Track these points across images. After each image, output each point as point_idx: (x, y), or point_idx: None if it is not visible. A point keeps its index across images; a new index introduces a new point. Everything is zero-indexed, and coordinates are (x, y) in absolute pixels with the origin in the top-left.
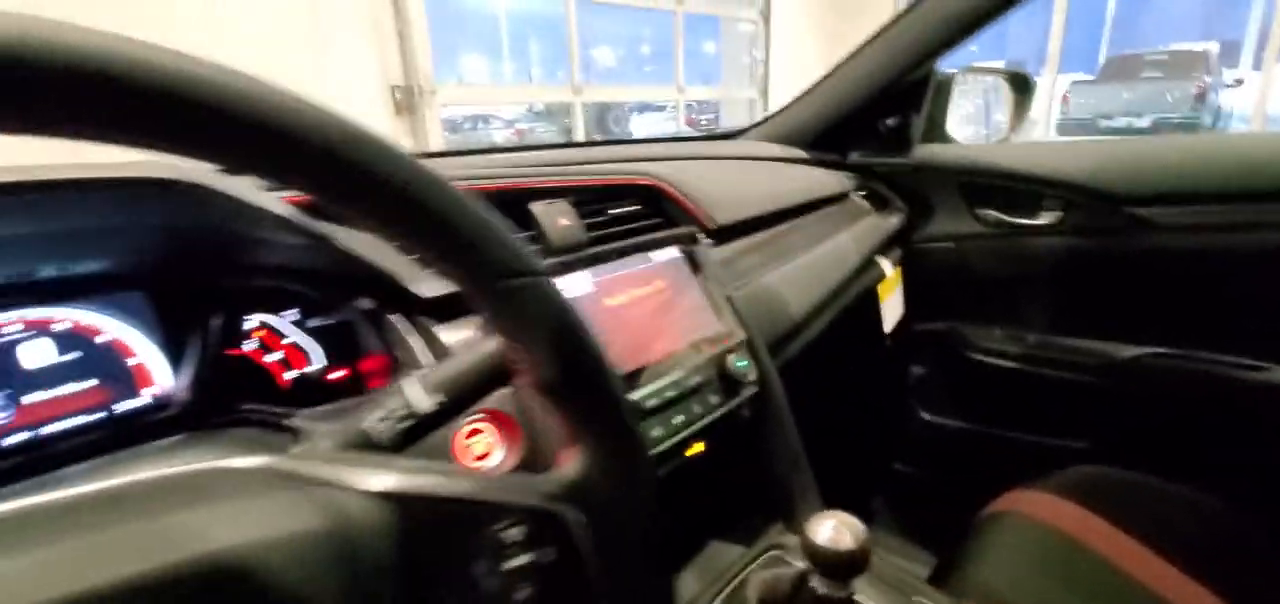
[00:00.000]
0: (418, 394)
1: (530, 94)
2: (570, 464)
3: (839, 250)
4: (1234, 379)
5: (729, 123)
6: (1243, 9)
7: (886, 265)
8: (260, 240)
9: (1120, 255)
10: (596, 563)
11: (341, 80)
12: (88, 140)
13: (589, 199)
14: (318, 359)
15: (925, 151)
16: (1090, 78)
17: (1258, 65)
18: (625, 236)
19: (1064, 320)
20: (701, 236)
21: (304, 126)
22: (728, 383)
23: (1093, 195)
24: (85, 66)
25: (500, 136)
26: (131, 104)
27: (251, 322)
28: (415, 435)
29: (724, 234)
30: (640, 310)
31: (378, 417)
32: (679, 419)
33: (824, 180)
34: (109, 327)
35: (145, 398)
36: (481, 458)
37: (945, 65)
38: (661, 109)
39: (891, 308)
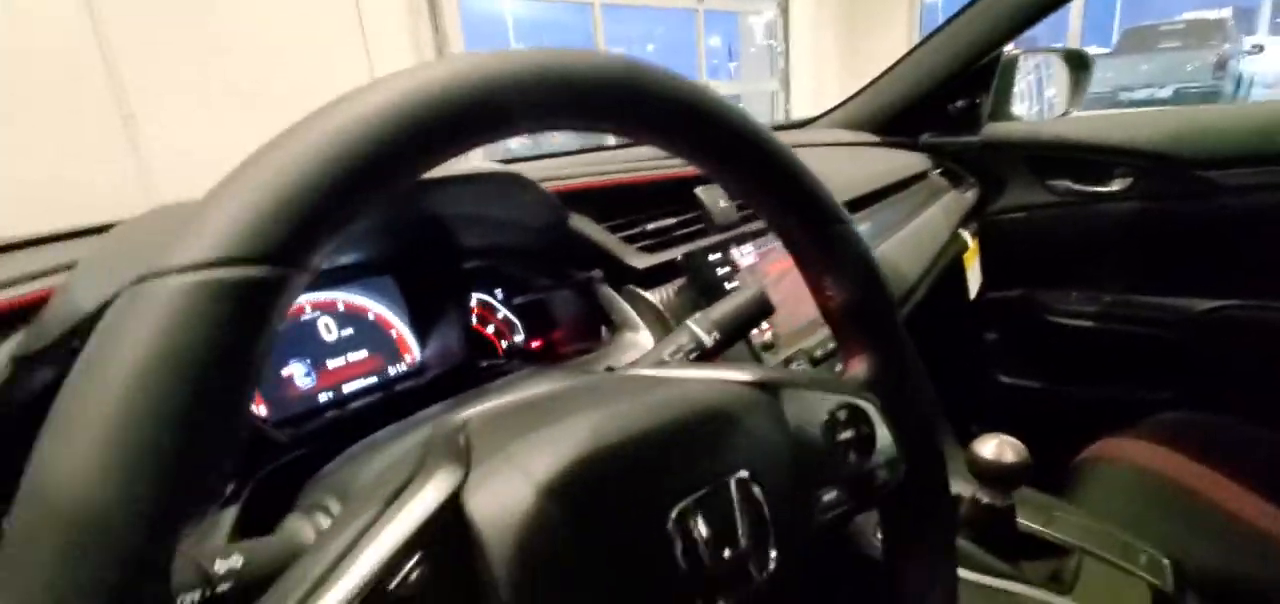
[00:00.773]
0: (701, 332)
1: None
2: (860, 368)
3: (932, 223)
4: None
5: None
6: None
7: (966, 236)
8: (513, 224)
9: (1191, 217)
10: (896, 434)
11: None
12: (612, 132)
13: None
14: (520, 331)
15: (993, 130)
16: (1106, 51)
17: (1275, 30)
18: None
19: (1137, 280)
20: None
21: (720, 115)
22: None
23: (1165, 161)
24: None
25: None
26: (649, 111)
27: (472, 300)
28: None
29: None
30: (793, 277)
31: (669, 352)
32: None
33: (903, 161)
34: (372, 306)
35: (407, 363)
36: None
37: None
38: None
39: (973, 276)
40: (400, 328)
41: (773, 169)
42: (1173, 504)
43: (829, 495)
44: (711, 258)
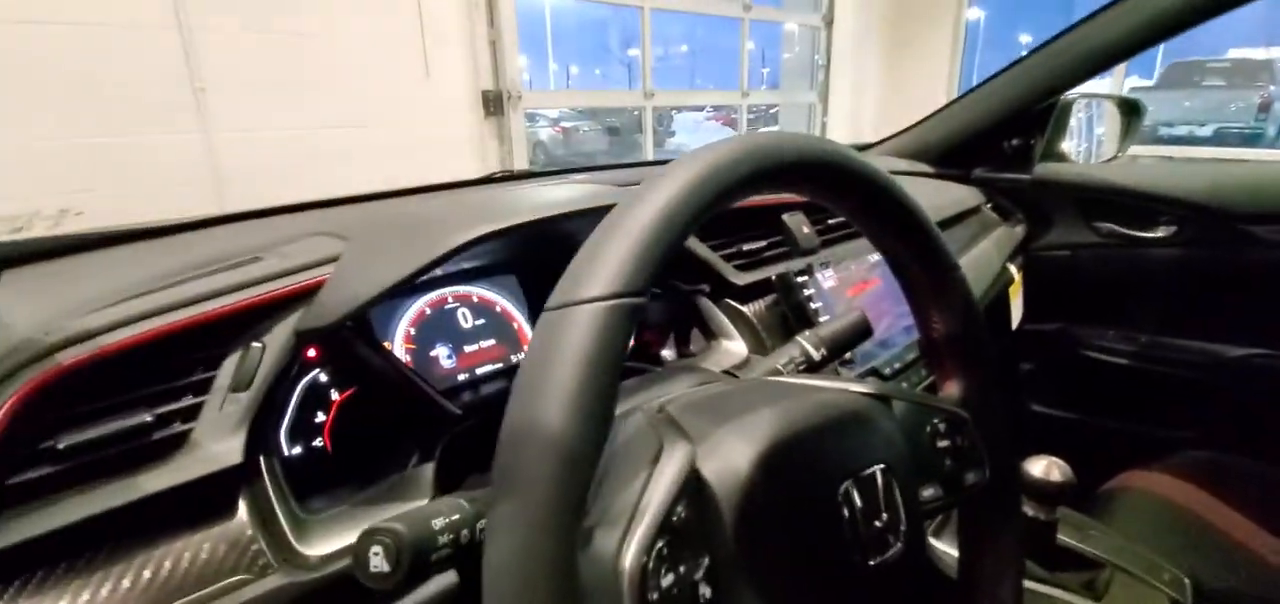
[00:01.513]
0: (810, 347)
1: (605, 99)
2: (954, 389)
3: (985, 256)
4: None
5: (787, 127)
6: None
7: (1013, 269)
8: None
9: (1231, 266)
10: (983, 445)
11: (442, 88)
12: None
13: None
14: None
15: (1045, 169)
16: (1149, 83)
17: None
18: (834, 243)
19: (1173, 323)
20: None
21: (858, 172)
22: None
23: (1209, 212)
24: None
25: (545, 134)
26: (821, 175)
27: None
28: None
29: None
30: (869, 296)
31: (782, 362)
32: (915, 378)
33: (959, 194)
34: (499, 300)
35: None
36: None
37: None
38: (700, 110)
39: (1016, 308)
40: (521, 321)
41: (907, 223)
42: (1192, 535)
43: (929, 491)
44: (799, 279)
